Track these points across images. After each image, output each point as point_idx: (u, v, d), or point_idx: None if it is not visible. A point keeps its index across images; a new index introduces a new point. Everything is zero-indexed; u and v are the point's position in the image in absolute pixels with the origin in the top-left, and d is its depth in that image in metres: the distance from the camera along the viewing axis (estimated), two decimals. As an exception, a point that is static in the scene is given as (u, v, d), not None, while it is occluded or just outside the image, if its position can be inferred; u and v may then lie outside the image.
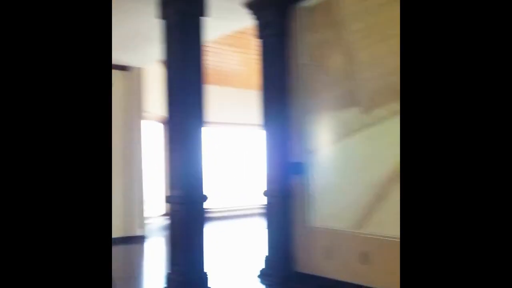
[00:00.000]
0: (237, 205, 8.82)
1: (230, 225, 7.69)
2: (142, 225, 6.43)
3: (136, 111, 6.34)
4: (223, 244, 6.06)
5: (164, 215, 7.68)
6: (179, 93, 3.48)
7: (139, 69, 6.33)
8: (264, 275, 4.04)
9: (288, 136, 3.90)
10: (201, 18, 3.58)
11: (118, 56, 5.53)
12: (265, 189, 4.10)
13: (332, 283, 3.48)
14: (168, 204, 3.66)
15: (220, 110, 7.85)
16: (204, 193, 3.57)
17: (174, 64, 3.52)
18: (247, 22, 4.24)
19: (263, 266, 4.12)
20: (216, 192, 8.25)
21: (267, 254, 4.03)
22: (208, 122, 3.70)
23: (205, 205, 3.58)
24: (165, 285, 3.59)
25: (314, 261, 3.67)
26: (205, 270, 3.54)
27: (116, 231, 6.02)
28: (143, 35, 4.79)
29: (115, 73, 5.75)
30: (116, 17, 4.12)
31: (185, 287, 3.42)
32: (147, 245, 6.12)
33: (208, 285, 3.56)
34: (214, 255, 4.87)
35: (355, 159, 3.37)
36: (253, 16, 4.10)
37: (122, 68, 6.16)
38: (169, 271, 3.58)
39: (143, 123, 6.50)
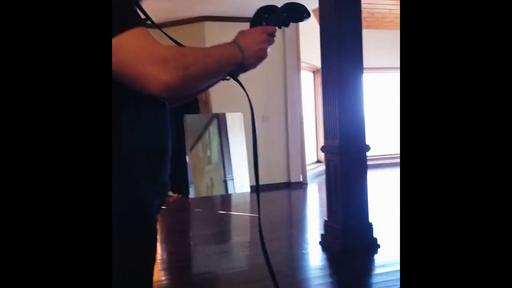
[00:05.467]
0: (395, 152, 8.10)
1: (390, 173, 7.22)
2: (302, 171, 6.48)
3: (294, 62, 6.31)
4: (385, 193, 5.77)
5: (317, 162, 7.68)
6: (335, 41, 3.26)
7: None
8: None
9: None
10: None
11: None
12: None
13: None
14: (324, 153, 3.53)
15: (377, 55, 7.35)
16: (366, 142, 3.35)
17: (328, 11, 3.31)
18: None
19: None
20: (376, 140, 7.46)
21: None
22: (365, 68, 3.45)
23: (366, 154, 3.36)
24: (323, 232, 3.52)
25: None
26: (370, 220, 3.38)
27: (278, 177, 6.27)
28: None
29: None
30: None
31: (343, 235, 3.29)
32: (306, 191, 6.23)
33: (374, 235, 3.40)
34: (375, 205, 4.46)
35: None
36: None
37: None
38: (327, 219, 3.48)
39: (301, 73, 6.47)
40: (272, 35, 1.06)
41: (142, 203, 0.93)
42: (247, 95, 1.06)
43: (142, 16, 0.95)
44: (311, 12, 1.11)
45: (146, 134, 0.95)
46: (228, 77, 1.05)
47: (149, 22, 0.97)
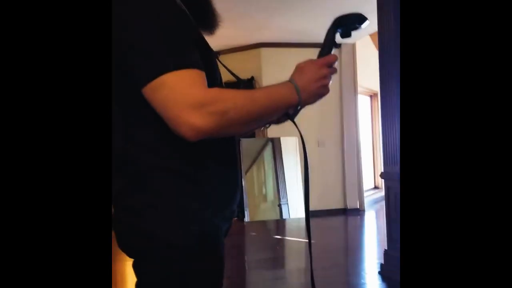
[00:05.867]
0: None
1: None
2: (359, 198, 6.34)
3: (350, 86, 6.28)
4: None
5: (374, 188, 7.57)
6: (394, 64, 3.17)
7: (352, 45, 6.17)
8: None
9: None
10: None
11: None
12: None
13: None
14: (383, 180, 3.42)
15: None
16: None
17: (387, 34, 3.28)
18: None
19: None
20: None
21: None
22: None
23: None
24: (382, 262, 3.39)
25: None
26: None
27: (334, 203, 6.16)
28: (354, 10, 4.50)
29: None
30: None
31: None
32: (364, 218, 6.08)
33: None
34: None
35: None
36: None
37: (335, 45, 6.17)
38: (387, 248, 3.36)
39: (357, 97, 6.42)
40: (331, 65, 0.99)
41: (213, 228, 0.95)
42: (300, 135, 1.03)
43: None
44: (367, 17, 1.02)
45: (224, 164, 0.97)
46: (268, 125, 1.01)
47: (206, 50, 0.97)
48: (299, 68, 0.97)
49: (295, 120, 1.03)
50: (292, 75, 0.97)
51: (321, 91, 0.97)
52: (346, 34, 1.01)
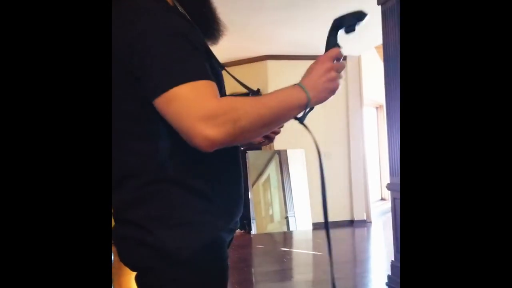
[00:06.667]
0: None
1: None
2: (365, 209, 6.30)
3: (356, 98, 6.26)
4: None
5: (381, 200, 7.54)
6: (399, 78, 3.17)
7: (357, 57, 6.17)
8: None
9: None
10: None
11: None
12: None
13: None
14: (389, 191, 3.40)
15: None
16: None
17: (392, 46, 3.25)
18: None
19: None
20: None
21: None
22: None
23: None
24: (389, 273, 3.36)
25: None
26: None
27: (341, 215, 6.10)
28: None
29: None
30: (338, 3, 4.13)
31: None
32: (370, 229, 6.04)
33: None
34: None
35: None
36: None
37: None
38: (394, 259, 3.33)
39: (363, 110, 6.41)
40: (338, 59, 0.97)
41: (218, 240, 0.95)
42: (313, 138, 1.01)
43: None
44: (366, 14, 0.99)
45: (229, 177, 0.98)
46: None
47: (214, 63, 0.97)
48: (307, 70, 0.97)
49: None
50: (302, 78, 0.96)
51: (329, 86, 0.95)
52: (350, 30, 1.00)
